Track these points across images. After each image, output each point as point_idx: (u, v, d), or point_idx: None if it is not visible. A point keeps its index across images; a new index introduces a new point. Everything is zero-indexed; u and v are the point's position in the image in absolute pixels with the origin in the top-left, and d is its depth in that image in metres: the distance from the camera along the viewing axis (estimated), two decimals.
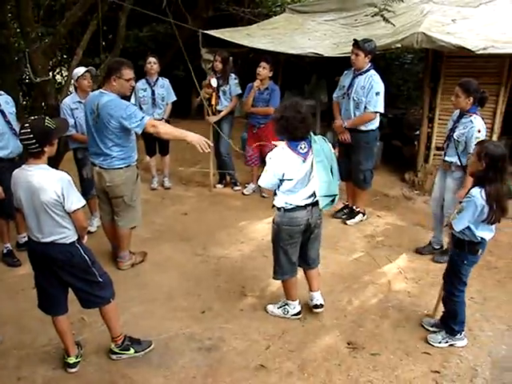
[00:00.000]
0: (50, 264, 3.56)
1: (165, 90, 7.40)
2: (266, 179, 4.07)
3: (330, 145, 4.18)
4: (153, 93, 7.31)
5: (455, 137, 5.09)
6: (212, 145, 4.51)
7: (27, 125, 3.35)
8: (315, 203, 4.10)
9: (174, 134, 4.74)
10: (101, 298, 3.81)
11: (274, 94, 7.06)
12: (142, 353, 4.05)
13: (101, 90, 4.80)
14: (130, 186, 5.02)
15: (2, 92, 5.41)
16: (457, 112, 5.23)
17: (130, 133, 4.85)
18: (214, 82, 7.07)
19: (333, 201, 4.10)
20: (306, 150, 3.97)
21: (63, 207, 3.43)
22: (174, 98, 7.53)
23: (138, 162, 5.14)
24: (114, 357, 4.00)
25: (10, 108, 5.35)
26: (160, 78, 7.40)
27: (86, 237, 3.76)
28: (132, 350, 4.01)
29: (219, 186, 7.84)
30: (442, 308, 4.42)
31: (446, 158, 5.27)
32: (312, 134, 4.07)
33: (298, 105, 3.96)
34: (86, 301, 3.81)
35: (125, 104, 4.70)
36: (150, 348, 4.10)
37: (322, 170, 3.98)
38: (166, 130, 4.74)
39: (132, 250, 5.49)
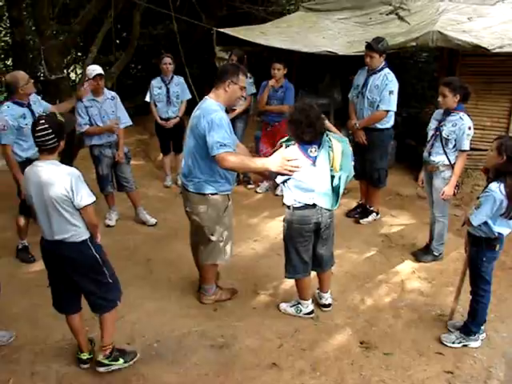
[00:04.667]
0: (61, 263, 3.54)
1: (179, 87, 7.38)
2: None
3: (347, 145, 4.18)
4: (167, 91, 7.31)
5: (444, 135, 5.02)
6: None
7: (43, 121, 3.37)
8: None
9: (248, 167, 4.14)
10: (108, 301, 3.75)
11: (288, 92, 7.06)
12: (131, 362, 3.91)
13: (206, 96, 4.23)
14: (212, 217, 4.34)
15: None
16: (439, 111, 5.20)
17: None
18: None
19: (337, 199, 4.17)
20: (315, 153, 4.01)
21: (72, 203, 3.40)
22: (189, 96, 7.49)
23: (230, 192, 4.45)
24: (101, 369, 3.82)
25: (37, 107, 5.38)
26: (175, 77, 7.40)
27: (99, 235, 3.70)
28: (121, 360, 3.87)
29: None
30: (459, 310, 4.46)
31: (432, 158, 5.20)
32: (328, 135, 4.08)
33: (308, 109, 3.94)
34: (95, 305, 3.76)
35: (222, 118, 4.02)
36: (137, 358, 3.95)
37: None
38: (239, 163, 3.99)
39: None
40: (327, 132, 4.09)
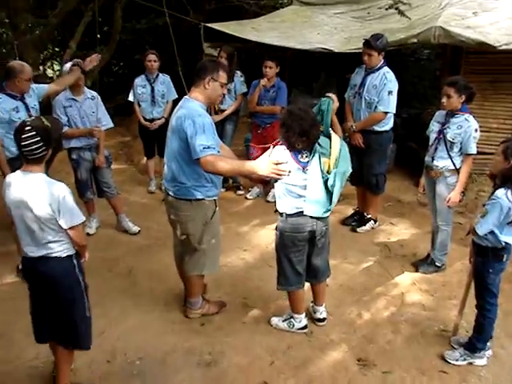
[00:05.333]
0: (43, 282, 3.38)
1: (165, 86, 7.38)
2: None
3: (340, 143, 4.12)
4: (152, 90, 7.31)
5: (449, 138, 5.02)
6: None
7: (29, 127, 3.13)
8: None
9: (235, 170, 4.07)
10: (83, 341, 3.61)
11: (280, 92, 7.04)
12: None
13: (185, 97, 4.23)
14: (198, 224, 4.31)
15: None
16: (441, 112, 5.22)
17: None
18: None
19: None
20: (307, 159, 4.00)
21: (58, 222, 3.24)
22: (175, 96, 7.42)
23: (217, 198, 4.44)
24: None
25: (32, 100, 5.44)
26: (160, 75, 7.38)
27: (87, 254, 3.59)
28: None
29: (221, 189, 7.77)
30: (464, 325, 4.47)
31: (436, 163, 5.19)
32: (329, 132, 4.07)
33: (303, 115, 3.91)
34: (68, 337, 3.57)
35: (205, 120, 4.00)
36: None
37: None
38: (225, 166, 3.91)
39: (201, 293, 4.97)
40: (329, 130, 4.10)
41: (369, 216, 6.63)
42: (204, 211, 4.28)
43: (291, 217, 4.13)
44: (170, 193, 4.29)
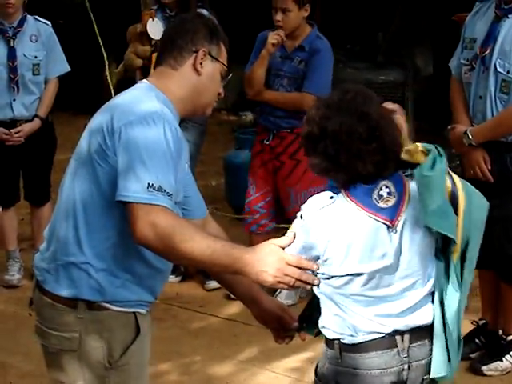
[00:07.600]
0: None
1: (42, 46, 5.79)
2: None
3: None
4: (12, 56, 5.65)
5: None
6: None
7: None
8: (417, 329, 2.69)
9: (213, 260, 2.58)
10: None
11: (316, 61, 5.33)
12: None
13: (142, 81, 3.06)
14: (89, 365, 2.82)
15: None
16: None
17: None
18: (154, 28, 5.82)
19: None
20: (393, 200, 2.56)
21: None
22: (65, 69, 5.95)
23: (145, 309, 2.98)
24: None
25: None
26: (31, 19, 5.78)
27: None
28: None
29: (171, 277, 5.93)
30: None
31: None
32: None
33: (357, 99, 2.53)
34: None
35: (164, 136, 2.66)
36: None
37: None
38: (188, 242, 2.52)
39: None
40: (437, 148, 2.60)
41: (509, 338, 4.94)
42: (104, 337, 2.76)
43: (352, 351, 2.66)
44: (39, 277, 2.88)
